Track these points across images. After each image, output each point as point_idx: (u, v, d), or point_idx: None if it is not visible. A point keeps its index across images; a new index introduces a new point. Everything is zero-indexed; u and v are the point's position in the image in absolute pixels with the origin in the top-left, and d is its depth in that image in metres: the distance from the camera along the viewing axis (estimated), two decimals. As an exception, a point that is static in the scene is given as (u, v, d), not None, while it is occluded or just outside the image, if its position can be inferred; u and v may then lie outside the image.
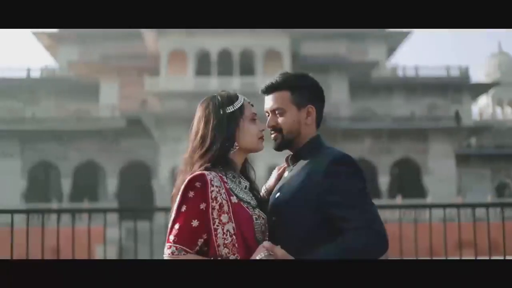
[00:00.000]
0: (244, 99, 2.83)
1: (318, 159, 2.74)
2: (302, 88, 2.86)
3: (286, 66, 41.22)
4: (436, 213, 7.21)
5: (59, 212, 6.88)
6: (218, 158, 2.72)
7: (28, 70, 50.24)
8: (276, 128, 2.85)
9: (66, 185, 42.35)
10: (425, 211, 25.62)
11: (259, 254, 2.54)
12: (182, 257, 2.57)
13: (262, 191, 3.01)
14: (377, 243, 2.55)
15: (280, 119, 2.84)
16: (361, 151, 42.28)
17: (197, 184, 2.61)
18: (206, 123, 2.75)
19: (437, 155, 42.05)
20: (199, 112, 2.80)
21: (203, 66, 42.93)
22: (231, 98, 2.79)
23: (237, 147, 2.77)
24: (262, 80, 37.46)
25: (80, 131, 42.10)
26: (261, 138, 2.83)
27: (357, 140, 42.37)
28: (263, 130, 2.83)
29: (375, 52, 52.82)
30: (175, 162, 38.07)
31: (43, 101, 49.17)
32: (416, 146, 42.42)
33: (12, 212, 6.16)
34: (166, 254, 2.59)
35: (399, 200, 35.74)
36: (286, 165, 2.98)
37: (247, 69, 41.96)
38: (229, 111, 2.76)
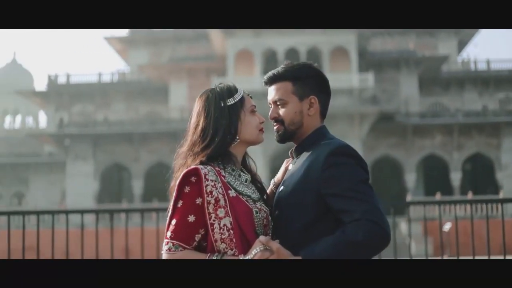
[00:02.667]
0: (243, 91, 2.77)
1: (319, 151, 2.65)
2: (304, 78, 2.78)
3: (354, 63, 40.95)
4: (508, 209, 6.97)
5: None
6: (219, 151, 2.66)
7: (100, 74, 51.33)
8: (278, 120, 2.78)
9: (138, 186, 43.03)
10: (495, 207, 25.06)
11: (255, 249, 2.49)
12: (179, 253, 2.53)
13: (271, 185, 2.95)
14: (377, 236, 2.45)
15: (281, 111, 2.77)
16: (432, 147, 41.71)
17: (192, 179, 2.56)
18: (207, 116, 2.68)
19: (510, 150, 41.04)
20: (198, 105, 2.73)
21: (270, 65, 42.98)
22: (230, 91, 2.73)
23: (238, 140, 2.71)
24: (329, 77, 37.23)
25: (151, 133, 42.74)
26: (261, 130, 2.76)
27: (428, 136, 41.81)
28: (262, 122, 2.77)
29: (445, 47, 51.99)
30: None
31: (114, 104, 50.23)
32: (488, 141, 41.54)
33: (67, 212, 6.33)
34: (164, 250, 2.56)
35: (469, 196, 35.03)
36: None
37: (314, 67, 41.79)
38: (230, 103, 2.70)
